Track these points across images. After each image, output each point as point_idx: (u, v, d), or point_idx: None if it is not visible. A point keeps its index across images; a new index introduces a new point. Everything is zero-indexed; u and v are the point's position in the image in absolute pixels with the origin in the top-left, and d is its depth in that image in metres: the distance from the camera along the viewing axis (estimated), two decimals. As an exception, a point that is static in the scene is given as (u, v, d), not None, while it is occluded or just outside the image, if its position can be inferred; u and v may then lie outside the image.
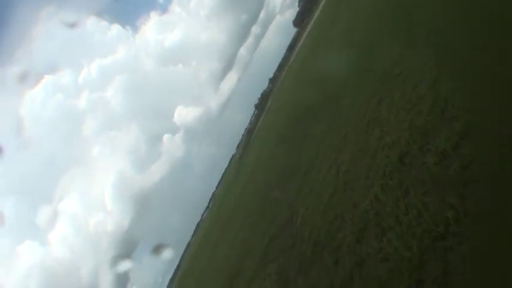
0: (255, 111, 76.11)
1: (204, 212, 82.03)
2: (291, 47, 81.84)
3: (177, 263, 77.97)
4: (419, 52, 10.11)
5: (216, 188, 78.31)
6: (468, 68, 7.47)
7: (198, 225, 79.97)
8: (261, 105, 70.12)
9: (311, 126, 19.16)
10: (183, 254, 77.12)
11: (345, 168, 10.61)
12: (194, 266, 44.16)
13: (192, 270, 44.21)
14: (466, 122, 6.41)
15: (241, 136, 76.95)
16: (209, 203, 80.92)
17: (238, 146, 75.02)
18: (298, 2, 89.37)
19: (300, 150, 18.75)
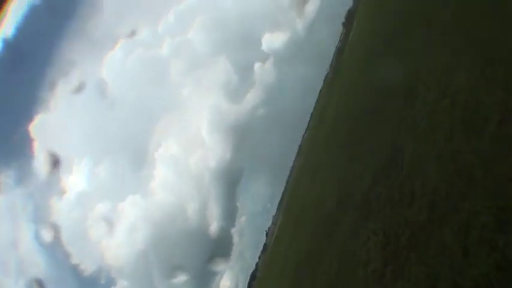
0: (342, 29, 70.77)
1: (304, 133, 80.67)
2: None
3: (283, 187, 78.37)
4: None
5: (314, 108, 75.92)
6: None
7: (300, 146, 79.05)
8: (348, 22, 64.69)
9: (405, 42, 15.84)
10: (288, 178, 77.17)
11: (463, 100, 7.85)
12: (296, 194, 43.35)
13: (295, 199, 43.50)
14: None
15: (332, 55, 72.53)
16: (308, 123, 79.23)
17: (330, 65, 71.07)
18: None
19: (395, 69, 15.72)
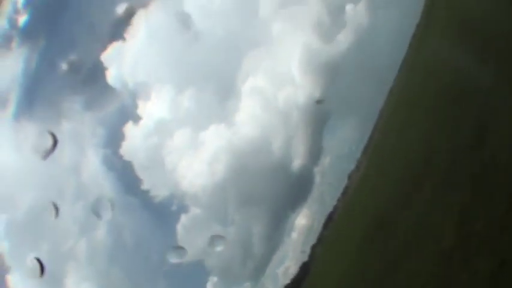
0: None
1: (396, 78, 78.59)
2: None
3: (369, 133, 77.56)
4: None
5: (406, 53, 73.13)
6: None
7: (390, 91, 77.24)
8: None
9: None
10: (376, 123, 76.00)
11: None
12: (382, 145, 42.66)
13: (381, 149, 42.87)
14: None
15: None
16: (400, 68, 76.70)
17: (422, 13, 67.30)
18: None
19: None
